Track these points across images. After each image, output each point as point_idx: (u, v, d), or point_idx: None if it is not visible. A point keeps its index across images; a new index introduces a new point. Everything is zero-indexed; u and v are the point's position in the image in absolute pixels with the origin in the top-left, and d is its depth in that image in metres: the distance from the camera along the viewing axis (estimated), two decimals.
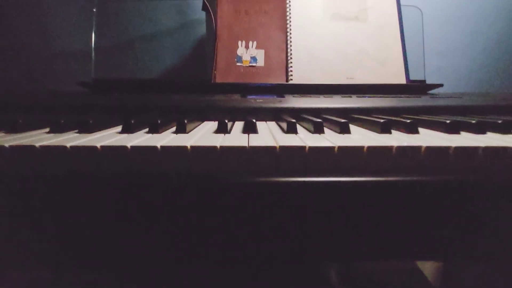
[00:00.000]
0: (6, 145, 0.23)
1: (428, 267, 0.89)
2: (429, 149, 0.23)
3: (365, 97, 0.49)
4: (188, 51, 0.67)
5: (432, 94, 0.57)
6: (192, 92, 0.53)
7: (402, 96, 0.51)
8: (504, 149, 0.23)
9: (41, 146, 0.23)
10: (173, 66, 0.68)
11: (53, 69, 0.66)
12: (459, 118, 0.34)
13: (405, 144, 0.24)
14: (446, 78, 0.72)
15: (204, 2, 0.59)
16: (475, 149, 0.23)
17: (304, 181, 0.23)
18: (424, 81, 0.60)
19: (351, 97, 0.49)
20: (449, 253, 0.26)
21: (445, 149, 0.23)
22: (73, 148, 0.23)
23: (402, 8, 0.62)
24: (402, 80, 0.57)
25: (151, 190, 0.23)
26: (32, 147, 0.23)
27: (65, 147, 0.23)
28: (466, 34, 0.69)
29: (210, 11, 0.59)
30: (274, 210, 0.24)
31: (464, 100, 0.46)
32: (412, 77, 0.62)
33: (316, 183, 0.23)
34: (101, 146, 0.23)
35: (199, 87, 0.54)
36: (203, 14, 0.63)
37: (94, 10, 0.60)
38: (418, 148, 0.23)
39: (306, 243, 0.25)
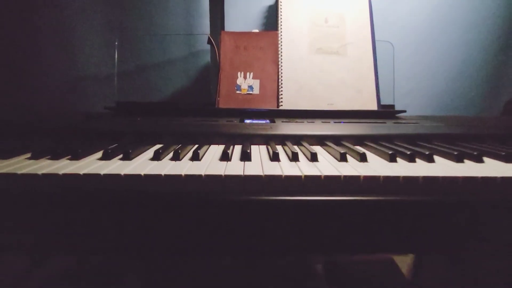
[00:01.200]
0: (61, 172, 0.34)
1: (402, 261, 1.00)
2: (365, 177, 0.34)
3: (341, 122, 0.60)
4: (194, 76, 0.78)
5: (399, 116, 0.68)
6: (200, 115, 0.64)
7: (371, 121, 0.61)
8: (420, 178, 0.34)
9: (85, 174, 0.34)
10: (182, 89, 0.78)
11: (81, 91, 0.77)
12: (400, 148, 0.44)
13: (351, 173, 0.34)
14: (415, 99, 0.83)
15: (209, 38, 0.70)
16: (396, 177, 0.34)
17: (282, 199, 0.34)
18: (393, 105, 0.71)
19: (329, 122, 0.60)
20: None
21: (357, 177, 0.34)
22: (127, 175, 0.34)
23: (377, 43, 0.72)
24: (375, 106, 0.68)
25: (180, 203, 0.34)
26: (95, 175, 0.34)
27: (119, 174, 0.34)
28: (432, 63, 0.80)
29: (214, 45, 0.70)
30: (261, 218, 0.35)
31: (417, 126, 0.57)
32: (385, 101, 0.73)
33: (288, 201, 0.34)
34: (144, 174, 0.34)
35: (205, 111, 0.65)
36: (208, 46, 0.74)
37: (116, 43, 0.71)
38: (357, 177, 0.34)
39: (283, 241, 0.36)
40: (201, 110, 0.66)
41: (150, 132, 0.52)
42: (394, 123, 0.61)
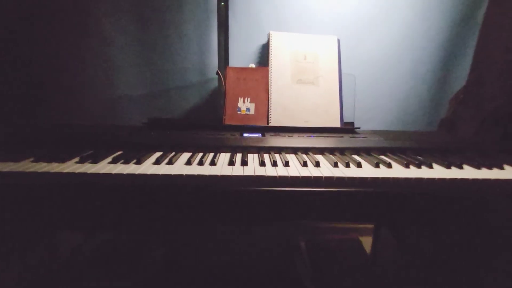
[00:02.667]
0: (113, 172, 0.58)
1: (366, 242, 1.26)
2: (314, 177, 0.58)
3: (311, 137, 0.84)
4: (205, 97, 1.01)
5: (356, 131, 0.92)
6: (212, 130, 0.87)
7: (334, 135, 0.85)
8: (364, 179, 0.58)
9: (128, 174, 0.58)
10: (196, 106, 1.02)
11: (118, 109, 1.00)
12: (342, 158, 0.68)
13: (305, 174, 0.58)
14: (376, 114, 1.07)
15: (217, 72, 0.93)
16: (341, 178, 0.58)
17: (266, 189, 0.58)
18: (353, 123, 0.95)
19: (303, 136, 0.84)
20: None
21: (309, 177, 0.58)
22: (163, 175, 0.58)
23: (343, 75, 0.96)
24: (338, 123, 0.92)
25: (203, 191, 0.58)
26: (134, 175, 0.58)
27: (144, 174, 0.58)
28: (387, 88, 1.03)
29: (221, 76, 0.94)
30: (254, 200, 0.59)
31: (364, 140, 0.81)
32: (348, 119, 0.97)
33: (271, 190, 0.58)
34: (176, 175, 0.58)
35: (216, 127, 0.89)
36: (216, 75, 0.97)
37: (147, 73, 0.94)
38: (308, 177, 0.58)
39: (267, 214, 0.60)
40: (212, 126, 0.89)
41: (178, 144, 0.76)
42: (350, 137, 0.86)
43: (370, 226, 1.23)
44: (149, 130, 0.88)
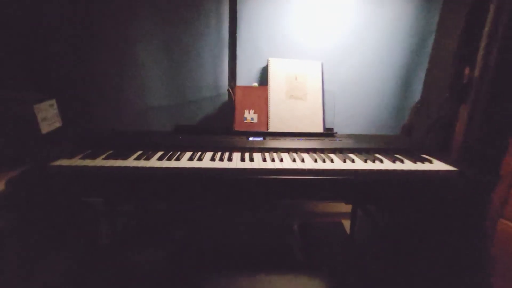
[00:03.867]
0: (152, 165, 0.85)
1: (346, 224, 1.54)
2: (297, 169, 0.85)
3: (300, 139, 1.11)
4: (217, 108, 1.28)
5: (334, 135, 1.20)
6: (225, 134, 1.14)
7: (318, 139, 1.13)
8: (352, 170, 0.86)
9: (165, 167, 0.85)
10: (210, 115, 1.29)
11: (148, 117, 1.27)
12: (321, 155, 0.96)
13: (292, 167, 0.86)
14: (354, 120, 1.34)
15: (228, 90, 1.20)
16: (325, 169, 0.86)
17: (267, 177, 0.85)
18: (332, 128, 1.22)
19: (294, 140, 1.11)
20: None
21: (294, 169, 0.86)
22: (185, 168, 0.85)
23: (325, 91, 1.23)
24: (321, 129, 1.19)
25: (218, 180, 0.85)
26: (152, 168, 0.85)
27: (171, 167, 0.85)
28: (362, 99, 1.30)
29: (231, 92, 1.20)
30: (262, 185, 0.86)
31: (339, 142, 1.09)
32: (329, 125, 1.25)
33: (271, 178, 0.85)
34: (205, 167, 0.85)
35: (227, 132, 1.16)
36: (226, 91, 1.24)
37: (172, 91, 1.20)
38: (294, 169, 0.86)
39: (269, 195, 0.88)
40: (225, 131, 1.16)
41: (201, 145, 1.03)
42: (329, 139, 1.13)
43: (349, 211, 1.51)
44: (177, 134, 1.15)
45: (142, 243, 1.24)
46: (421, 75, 1.28)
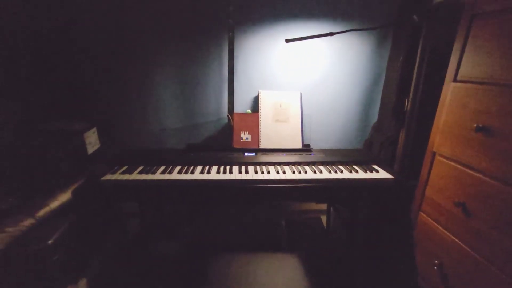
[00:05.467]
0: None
1: (323, 218, 1.87)
2: (279, 179, 1.18)
3: (284, 154, 1.44)
4: (220, 130, 1.60)
5: (310, 150, 1.53)
6: (226, 151, 1.46)
7: (298, 153, 1.46)
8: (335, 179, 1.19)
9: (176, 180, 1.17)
10: (213, 136, 1.61)
11: (162, 137, 1.58)
12: (297, 167, 1.29)
13: (275, 178, 1.18)
14: (328, 137, 1.68)
15: (228, 116, 1.53)
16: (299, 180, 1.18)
17: (258, 186, 1.17)
18: (309, 145, 1.56)
19: (279, 155, 1.44)
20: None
21: (277, 179, 1.18)
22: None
23: (304, 115, 1.56)
24: (300, 145, 1.52)
25: (222, 188, 1.17)
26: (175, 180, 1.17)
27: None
28: (334, 120, 1.64)
29: (230, 118, 1.53)
30: (253, 191, 1.18)
31: (313, 156, 1.42)
32: (307, 142, 1.58)
33: (262, 186, 1.17)
34: (212, 179, 1.17)
35: (228, 149, 1.48)
36: (226, 117, 1.56)
37: (182, 116, 1.52)
38: (277, 179, 1.18)
39: (260, 197, 1.20)
40: (226, 148, 1.48)
41: (208, 161, 1.34)
42: (306, 154, 1.46)
43: (325, 208, 1.85)
44: (188, 152, 1.46)
45: (161, 236, 1.55)
46: (378, 100, 1.63)
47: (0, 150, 1.04)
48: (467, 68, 0.93)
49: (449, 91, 0.99)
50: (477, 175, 0.89)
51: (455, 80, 0.98)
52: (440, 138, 1.04)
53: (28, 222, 0.91)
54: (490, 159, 0.85)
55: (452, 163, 0.99)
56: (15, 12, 1.24)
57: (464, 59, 0.94)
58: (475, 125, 0.87)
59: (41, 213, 0.95)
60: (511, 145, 0.79)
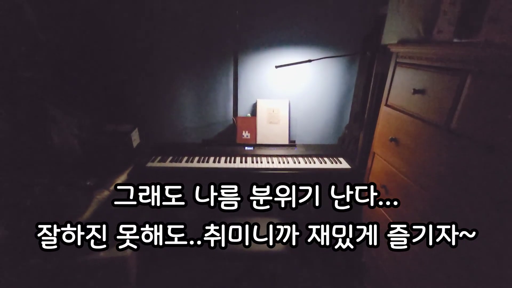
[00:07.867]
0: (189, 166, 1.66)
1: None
2: (271, 168, 1.66)
3: (275, 148, 1.91)
4: (227, 129, 2.08)
5: (296, 145, 2.00)
6: (232, 145, 1.94)
7: (285, 147, 1.93)
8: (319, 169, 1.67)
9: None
10: (221, 133, 2.09)
11: (183, 133, 2.06)
12: (284, 158, 1.76)
13: (267, 167, 1.66)
14: (312, 134, 2.14)
15: (233, 119, 1.99)
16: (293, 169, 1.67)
17: (258, 172, 1.66)
18: (295, 141, 2.02)
19: (271, 148, 1.91)
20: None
21: (268, 167, 1.67)
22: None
23: (291, 118, 2.02)
24: (287, 141, 1.99)
25: (228, 173, 1.66)
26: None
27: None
28: (316, 121, 2.09)
29: (235, 120, 2.00)
30: (253, 175, 1.67)
31: (296, 150, 1.89)
32: (293, 138, 2.05)
33: (260, 173, 1.66)
34: (221, 167, 1.66)
35: (233, 143, 1.96)
36: (231, 119, 2.03)
37: (198, 117, 1.99)
38: (269, 168, 1.66)
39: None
40: (232, 143, 1.96)
41: (218, 153, 1.83)
42: (291, 148, 1.94)
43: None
44: (203, 145, 1.95)
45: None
46: (349, 107, 2.07)
47: (81, 146, 1.53)
48: (391, 97, 1.38)
49: (382, 111, 1.44)
50: (393, 169, 1.36)
51: (386, 104, 1.42)
52: (376, 142, 1.50)
53: (105, 193, 1.41)
54: (399, 160, 1.31)
55: (382, 160, 1.45)
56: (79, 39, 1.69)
57: (391, 90, 1.38)
58: (390, 137, 1.32)
59: (111, 187, 1.46)
60: (407, 152, 1.25)
